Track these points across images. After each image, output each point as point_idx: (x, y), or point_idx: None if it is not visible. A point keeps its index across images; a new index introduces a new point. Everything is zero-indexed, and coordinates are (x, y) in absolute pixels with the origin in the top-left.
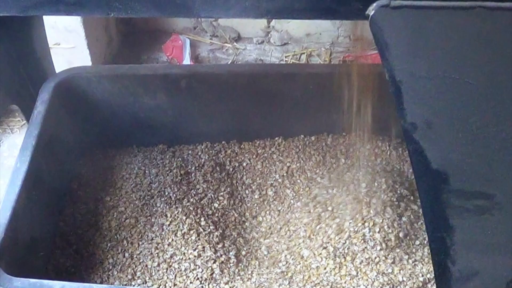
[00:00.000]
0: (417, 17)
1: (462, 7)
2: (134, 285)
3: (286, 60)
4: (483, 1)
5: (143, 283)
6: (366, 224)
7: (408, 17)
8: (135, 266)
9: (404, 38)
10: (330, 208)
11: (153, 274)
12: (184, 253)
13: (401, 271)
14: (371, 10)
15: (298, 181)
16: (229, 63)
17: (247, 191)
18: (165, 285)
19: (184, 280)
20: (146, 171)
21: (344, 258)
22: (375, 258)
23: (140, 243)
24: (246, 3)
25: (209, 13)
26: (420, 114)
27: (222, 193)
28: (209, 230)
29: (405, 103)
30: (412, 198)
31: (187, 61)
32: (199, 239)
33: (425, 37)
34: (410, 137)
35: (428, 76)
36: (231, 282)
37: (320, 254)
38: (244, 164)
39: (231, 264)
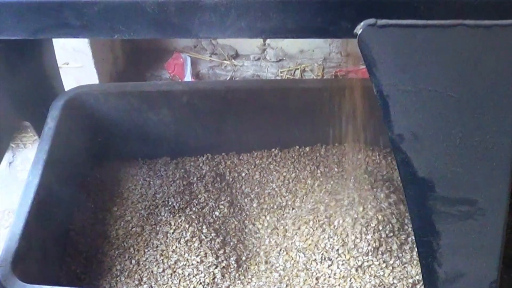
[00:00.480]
0: (402, 35)
1: (444, 25)
2: None
3: (281, 76)
4: (463, 19)
5: None
6: (359, 229)
7: (394, 35)
8: (142, 272)
9: (390, 54)
10: (324, 215)
11: (159, 279)
12: (187, 259)
13: (392, 273)
14: (359, 29)
15: (294, 189)
16: (227, 79)
17: (246, 200)
18: None
19: (187, 284)
20: (151, 182)
21: (338, 262)
22: (367, 261)
23: (146, 250)
24: (241, 23)
25: (207, 34)
26: (407, 126)
27: (222, 202)
28: (210, 237)
29: (392, 116)
30: (401, 204)
31: (188, 78)
32: (201, 245)
33: (410, 54)
34: (397, 147)
35: (414, 90)
36: (232, 286)
37: (315, 259)
38: (243, 174)
39: (232, 269)
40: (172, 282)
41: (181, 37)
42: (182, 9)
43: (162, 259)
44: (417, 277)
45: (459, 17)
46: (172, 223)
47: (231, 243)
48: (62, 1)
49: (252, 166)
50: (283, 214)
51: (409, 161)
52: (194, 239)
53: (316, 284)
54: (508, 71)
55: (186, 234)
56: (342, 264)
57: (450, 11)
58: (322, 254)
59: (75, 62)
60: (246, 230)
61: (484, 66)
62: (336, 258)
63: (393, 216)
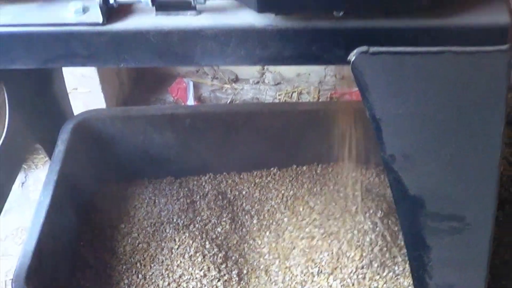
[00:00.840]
0: (393, 61)
1: (432, 52)
2: None
3: (279, 98)
4: (450, 46)
5: None
6: (354, 243)
7: (385, 62)
8: (148, 286)
9: (382, 80)
10: (320, 230)
11: None
12: (191, 273)
13: (385, 284)
14: (352, 56)
15: (292, 206)
16: (228, 102)
17: (246, 217)
18: None
19: None
20: (156, 201)
21: (334, 275)
22: (362, 274)
23: (152, 265)
24: (241, 52)
25: (208, 62)
26: (398, 147)
27: (224, 219)
28: (213, 252)
29: (384, 138)
30: (393, 219)
31: (190, 101)
32: (204, 260)
33: (401, 79)
34: (389, 167)
35: (404, 114)
36: None
37: (312, 272)
38: (244, 193)
39: (234, 282)
40: None
41: (183, 65)
42: (184, 38)
43: (168, 274)
44: None
45: (445, 44)
46: (177, 239)
47: (233, 258)
48: (70, 32)
49: (252, 185)
50: (282, 230)
51: (400, 180)
52: (197, 254)
53: None
54: (492, 94)
55: (190, 250)
56: (338, 277)
57: (437, 38)
58: (319, 267)
59: (84, 87)
60: (247, 245)
61: (470, 89)
62: (332, 271)
63: (386, 230)
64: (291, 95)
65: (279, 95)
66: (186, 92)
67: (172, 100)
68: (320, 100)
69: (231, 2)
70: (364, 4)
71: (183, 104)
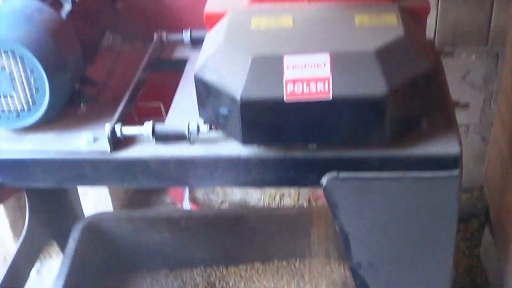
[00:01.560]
0: (360, 185)
1: (392, 178)
2: None
3: (264, 200)
4: (410, 171)
5: None
6: None
7: (352, 185)
8: None
9: (349, 200)
10: None
11: None
12: None
13: None
14: (323, 180)
15: None
16: (219, 202)
17: None
18: None
19: None
20: None
21: None
22: None
23: None
24: (228, 177)
25: (199, 184)
26: (364, 256)
27: None
28: None
29: (352, 248)
30: None
31: (186, 203)
32: None
33: (366, 200)
34: (356, 273)
35: (370, 228)
36: None
37: None
38: (231, 284)
39: None
40: None
41: (177, 186)
42: (179, 165)
43: None
44: None
45: (406, 170)
46: None
47: None
48: (82, 159)
49: (238, 277)
50: None
51: (366, 284)
52: None
53: None
54: (446, 210)
55: None
56: None
57: (399, 165)
58: None
59: (93, 191)
60: None
61: (427, 207)
62: None
63: None
64: (274, 196)
65: (263, 197)
66: (182, 194)
67: (170, 201)
68: (299, 200)
69: (220, 135)
70: (334, 139)
71: (179, 204)
